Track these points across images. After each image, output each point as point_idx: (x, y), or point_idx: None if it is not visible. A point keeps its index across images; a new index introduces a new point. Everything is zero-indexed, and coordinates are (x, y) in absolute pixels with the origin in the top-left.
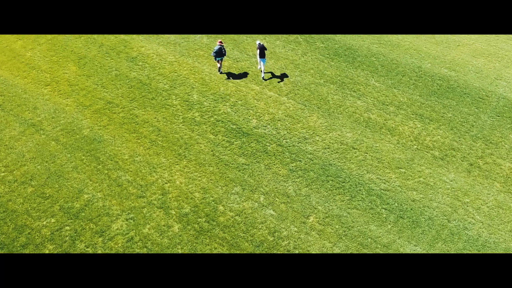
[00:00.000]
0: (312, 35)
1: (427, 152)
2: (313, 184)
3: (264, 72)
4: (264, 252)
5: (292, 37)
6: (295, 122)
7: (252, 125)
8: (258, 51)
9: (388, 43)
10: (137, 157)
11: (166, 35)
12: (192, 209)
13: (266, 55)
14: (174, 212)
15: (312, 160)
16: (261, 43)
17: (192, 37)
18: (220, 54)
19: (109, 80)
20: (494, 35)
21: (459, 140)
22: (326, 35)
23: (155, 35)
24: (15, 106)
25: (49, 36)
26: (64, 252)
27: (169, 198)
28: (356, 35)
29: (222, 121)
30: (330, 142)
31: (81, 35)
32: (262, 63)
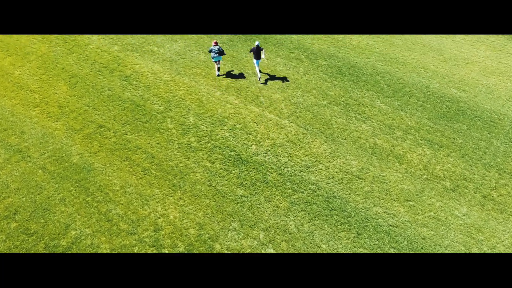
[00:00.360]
0: (314, 53)
1: (437, 182)
2: (317, 219)
3: (261, 74)
4: None
5: (294, 53)
6: (297, 148)
7: (251, 152)
8: (254, 54)
9: (394, 61)
10: (128, 187)
11: (161, 52)
12: (186, 247)
13: (262, 55)
14: (167, 252)
15: (315, 192)
16: (258, 44)
17: (189, 54)
18: (217, 54)
19: (101, 101)
20: (505, 53)
21: (471, 169)
22: (329, 53)
23: (150, 53)
24: (1, 130)
25: (39, 53)
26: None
27: (162, 235)
28: (361, 53)
29: (220, 147)
30: (334, 171)
31: (72, 53)
32: (256, 65)
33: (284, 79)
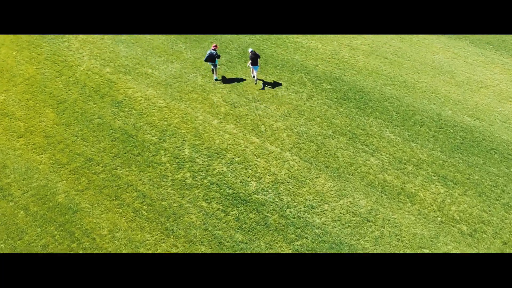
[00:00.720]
0: (318, 75)
1: (453, 226)
2: None
3: (257, 79)
4: None
5: (296, 76)
6: (300, 186)
7: (251, 189)
8: (250, 60)
9: (403, 85)
10: (117, 232)
11: (156, 74)
12: None
13: (259, 63)
14: None
15: (320, 237)
16: (254, 51)
17: (185, 76)
18: (212, 58)
19: (90, 130)
20: None
21: (489, 210)
22: (334, 76)
23: (144, 75)
24: None
25: (26, 75)
26: None
27: None
28: (368, 76)
29: (217, 184)
30: (340, 213)
31: (61, 75)
32: (254, 70)
33: (286, 104)
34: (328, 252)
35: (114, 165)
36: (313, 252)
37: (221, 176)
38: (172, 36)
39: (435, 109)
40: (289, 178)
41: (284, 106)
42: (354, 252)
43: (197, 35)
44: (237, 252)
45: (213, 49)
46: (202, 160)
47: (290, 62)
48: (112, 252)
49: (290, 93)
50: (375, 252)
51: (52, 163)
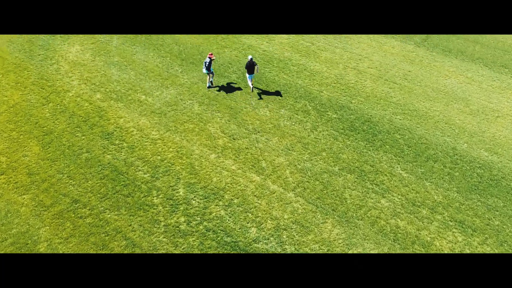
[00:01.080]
0: (323, 103)
1: None
2: None
3: (253, 86)
4: None
5: (300, 103)
6: (305, 233)
7: (251, 237)
8: (246, 68)
9: (414, 114)
10: None
11: (150, 101)
12: None
13: (255, 71)
14: None
15: None
16: (252, 59)
17: (181, 104)
18: (208, 67)
19: (77, 166)
20: None
21: None
22: (340, 103)
23: (137, 102)
24: None
25: (11, 102)
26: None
27: None
28: (376, 103)
29: (214, 231)
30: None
31: (48, 102)
32: (249, 80)
33: (289, 136)
34: None
35: (102, 208)
36: None
37: (218, 221)
38: (168, 58)
39: (449, 142)
40: (293, 223)
41: (286, 138)
42: None
43: (194, 58)
44: None
45: (209, 57)
46: (198, 202)
47: (293, 87)
48: None
49: (293, 123)
50: None
51: (34, 205)
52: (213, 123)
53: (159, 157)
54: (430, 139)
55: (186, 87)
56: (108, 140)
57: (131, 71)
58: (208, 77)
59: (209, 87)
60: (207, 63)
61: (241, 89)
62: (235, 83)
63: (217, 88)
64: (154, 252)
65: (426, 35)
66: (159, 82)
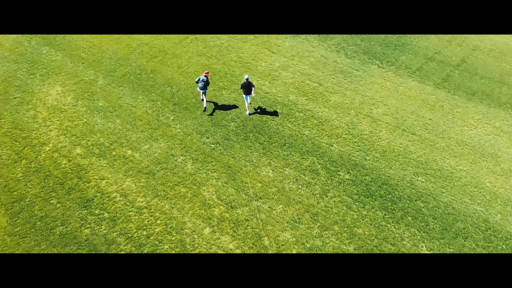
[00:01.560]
0: (334, 159)
1: None
2: None
3: (250, 113)
4: None
5: (307, 161)
6: None
7: None
8: (242, 89)
9: (438, 174)
10: None
11: (137, 157)
12: None
13: (252, 93)
14: None
15: None
16: (248, 79)
17: (172, 161)
18: (203, 85)
19: (49, 244)
20: None
21: None
22: (353, 160)
23: (122, 159)
24: None
25: None
26: None
27: None
28: (394, 160)
29: None
30: None
31: (21, 159)
32: (246, 101)
33: (295, 204)
34: None
35: None
36: None
37: None
38: (159, 102)
39: (480, 212)
40: None
41: (293, 206)
42: None
43: (188, 102)
44: None
45: (205, 76)
46: None
47: (299, 140)
48: None
49: (300, 187)
50: None
51: None
52: (208, 186)
53: (144, 233)
54: (457, 208)
55: (178, 139)
56: (87, 210)
57: (116, 119)
58: (202, 96)
59: (205, 108)
60: (204, 82)
61: (240, 143)
62: (234, 135)
63: (213, 141)
64: None
65: (446, 74)
66: (147, 133)
